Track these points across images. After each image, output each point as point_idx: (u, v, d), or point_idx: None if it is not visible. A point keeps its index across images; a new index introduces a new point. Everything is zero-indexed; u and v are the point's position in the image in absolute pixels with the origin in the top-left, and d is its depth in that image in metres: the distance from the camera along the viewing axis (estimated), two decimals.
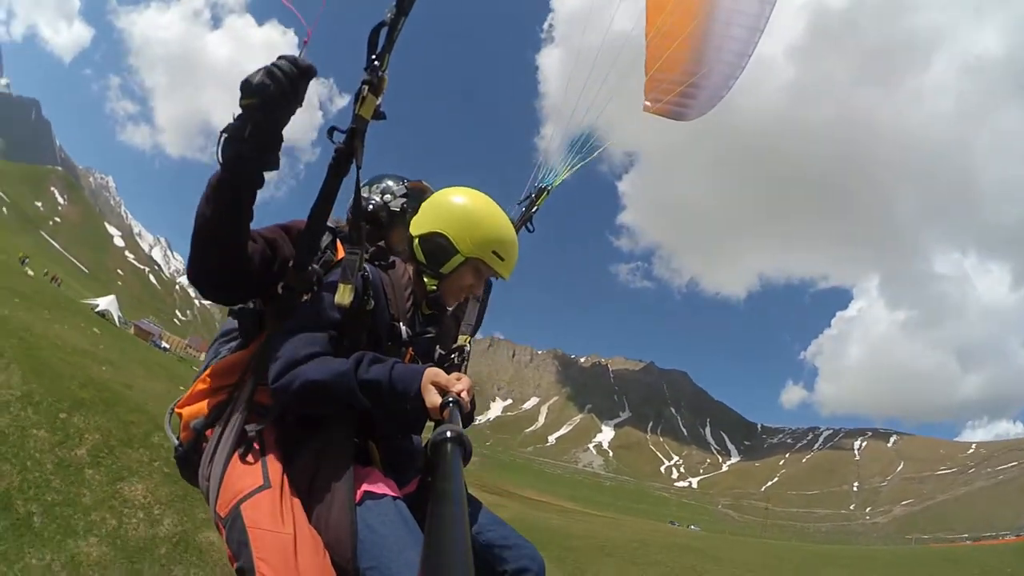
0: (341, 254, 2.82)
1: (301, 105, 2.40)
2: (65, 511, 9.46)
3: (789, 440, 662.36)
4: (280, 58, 2.34)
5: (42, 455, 10.55)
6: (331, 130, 2.54)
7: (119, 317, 72.53)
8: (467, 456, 1.62)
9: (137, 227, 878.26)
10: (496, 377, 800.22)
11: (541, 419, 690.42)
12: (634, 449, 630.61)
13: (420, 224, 2.87)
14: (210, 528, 10.79)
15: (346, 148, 2.52)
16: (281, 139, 2.42)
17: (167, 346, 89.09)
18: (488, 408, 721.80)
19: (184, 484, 10.48)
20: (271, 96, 2.27)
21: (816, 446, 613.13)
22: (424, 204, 2.97)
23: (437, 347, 3.06)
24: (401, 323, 2.77)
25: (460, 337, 3.42)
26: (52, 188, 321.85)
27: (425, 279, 2.88)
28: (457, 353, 3.23)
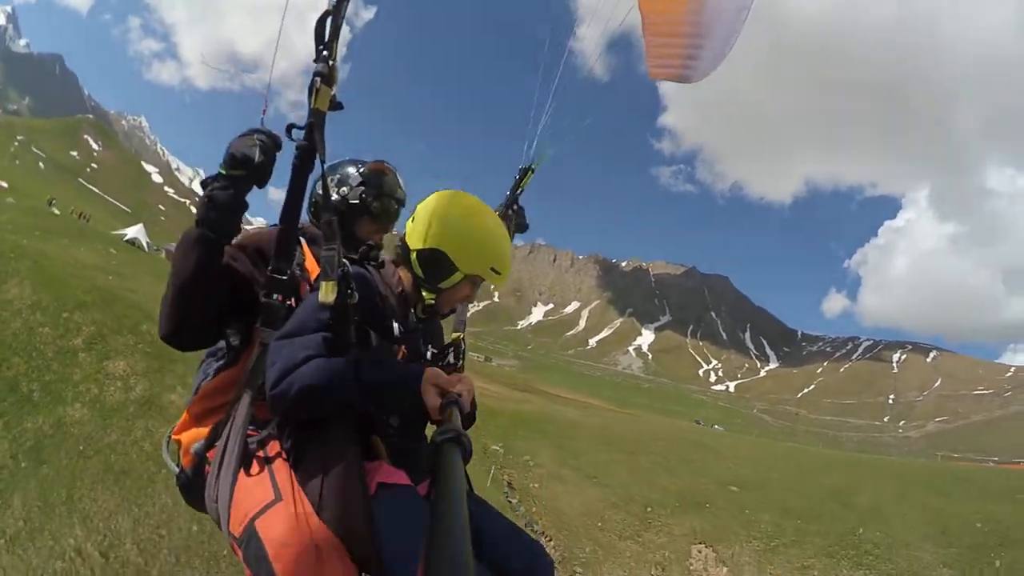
0: (308, 255, 3.05)
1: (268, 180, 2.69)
2: (58, 386, 11.76)
3: (828, 349, 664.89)
4: (261, 133, 2.63)
5: (45, 346, 12.92)
6: (289, 127, 2.59)
7: (147, 243, 75.81)
8: (467, 457, 1.66)
9: (175, 162, 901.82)
10: (537, 282, 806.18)
11: (582, 323, 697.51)
12: (673, 353, 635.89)
13: (418, 236, 2.78)
14: (174, 391, 13.39)
15: (307, 144, 2.57)
16: (246, 204, 2.69)
17: None
18: (529, 313, 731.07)
19: (161, 358, 14.93)
20: (258, 169, 2.57)
21: (855, 356, 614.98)
22: (421, 212, 2.83)
23: (429, 346, 3.08)
24: (393, 321, 2.78)
25: (453, 334, 3.37)
26: (85, 136, 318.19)
27: (424, 293, 2.83)
28: (453, 351, 3.20)
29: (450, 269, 2.73)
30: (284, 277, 2.63)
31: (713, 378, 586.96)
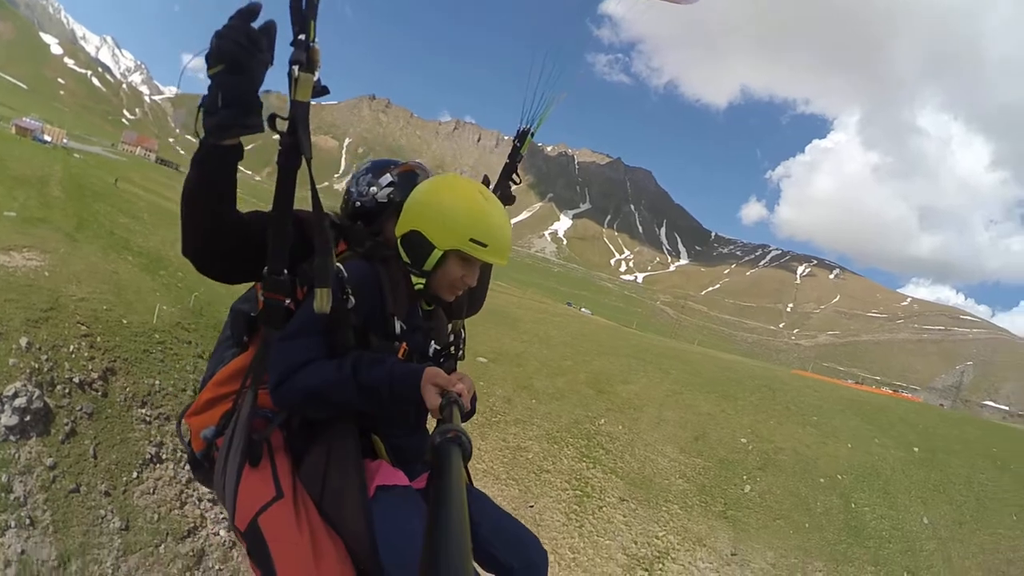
0: (343, 250, 2.94)
1: (271, 60, 2.31)
2: None
3: (738, 252, 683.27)
4: (231, 18, 2.22)
5: None
6: (272, 117, 2.34)
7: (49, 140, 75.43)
8: (467, 456, 1.65)
9: (81, 30, 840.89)
10: (460, 161, 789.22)
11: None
12: (588, 240, 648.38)
13: (400, 224, 2.79)
14: None
15: (291, 140, 2.33)
16: (258, 101, 2.32)
17: (48, 139, 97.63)
18: None
19: None
20: (232, 57, 2.20)
21: (762, 263, 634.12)
22: (405, 202, 2.86)
23: (432, 342, 2.96)
24: (396, 318, 2.73)
25: (451, 323, 3.23)
26: None
27: (413, 278, 2.79)
28: (453, 341, 3.15)
29: (428, 247, 2.71)
30: (281, 277, 2.48)
31: (624, 268, 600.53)
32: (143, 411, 19.76)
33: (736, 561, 20.42)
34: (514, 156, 4.02)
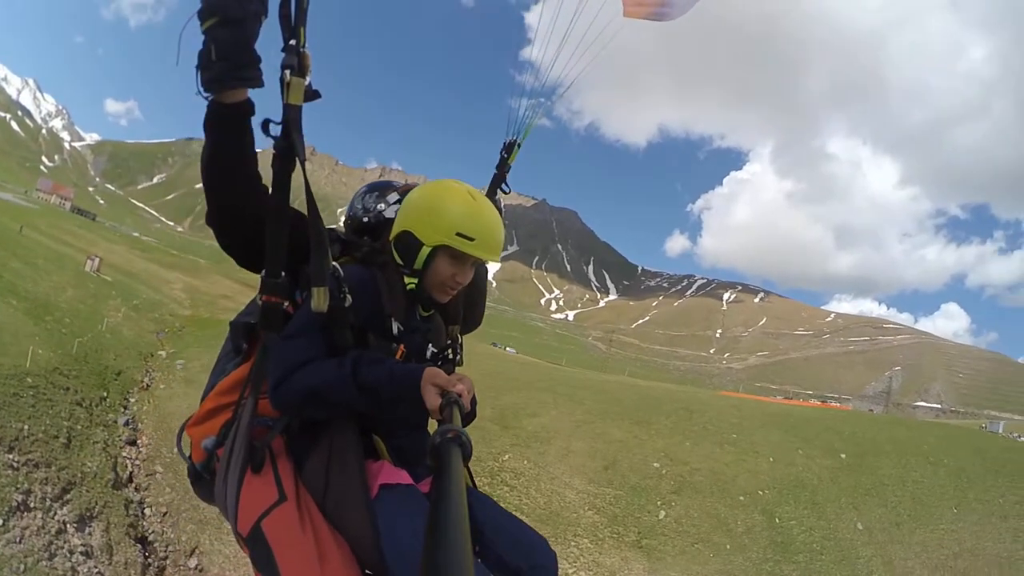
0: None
1: (265, 12, 2.26)
2: None
3: (665, 284, 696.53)
4: None
5: None
6: (265, 123, 2.34)
7: None
8: (467, 456, 1.65)
9: (2, 71, 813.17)
10: None
11: None
12: (518, 282, 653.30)
13: (393, 228, 2.82)
14: None
15: (284, 143, 2.34)
16: (255, 54, 2.30)
17: None
18: None
19: None
20: (224, 7, 2.16)
21: (689, 292, 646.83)
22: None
23: (430, 345, 2.95)
24: (392, 319, 2.73)
25: (449, 327, 3.20)
26: None
27: (406, 279, 2.79)
28: (451, 346, 3.10)
29: (417, 245, 2.71)
30: (278, 280, 2.52)
31: (554, 307, 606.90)
32: (10, 456, 18.71)
33: None
34: (502, 167, 3.99)
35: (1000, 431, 60.27)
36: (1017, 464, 28.35)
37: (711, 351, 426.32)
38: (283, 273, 2.52)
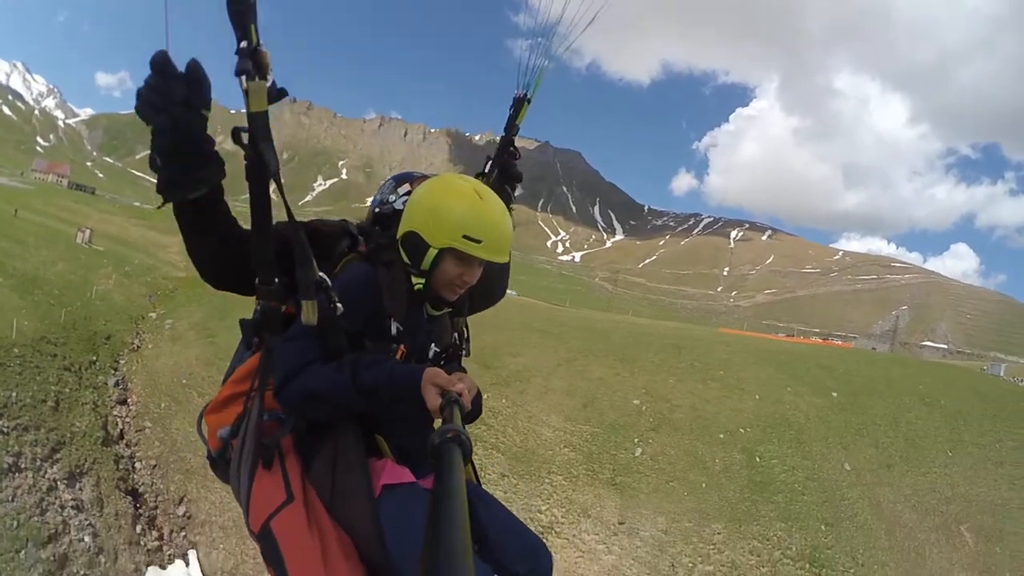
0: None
1: (206, 105, 2.15)
2: None
3: (672, 223, 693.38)
4: (148, 76, 2.09)
5: None
6: (235, 131, 2.21)
7: None
8: (467, 456, 1.66)
9: None
10: (388, 157, 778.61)
11: None
12: (523, 225, 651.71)
13: (400, 226, 2.79)
14: None
15: (253, 154, 2.21)
16: (205, 150, 2.21)
17: None
18: None
19: None
20: (149, 119, 2.10)
21: (696, 231, 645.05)
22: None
23: (433, 344, 2.96)
24: (392, 319, 2.73)
25: (455, 321, 3.15)
26: None
27: (413, 279, 2.78)
28: (456, 341, 3.13)
29: (424, 247, 2.71)
30: (272, 286, 2.48)
31: (560, 249, 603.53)
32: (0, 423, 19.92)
33: (624, 530, 18.80)
34: (510, 128, 3.75)
35: (1001, 374, 59.38)
36: (1016, 408, 27.59)
37: (718, 289, 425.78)
38: (276, 279, 2.45)
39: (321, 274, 2.48)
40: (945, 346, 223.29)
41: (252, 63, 2.06)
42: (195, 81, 2.08)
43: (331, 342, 2.53)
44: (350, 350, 2.55)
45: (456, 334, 3.14)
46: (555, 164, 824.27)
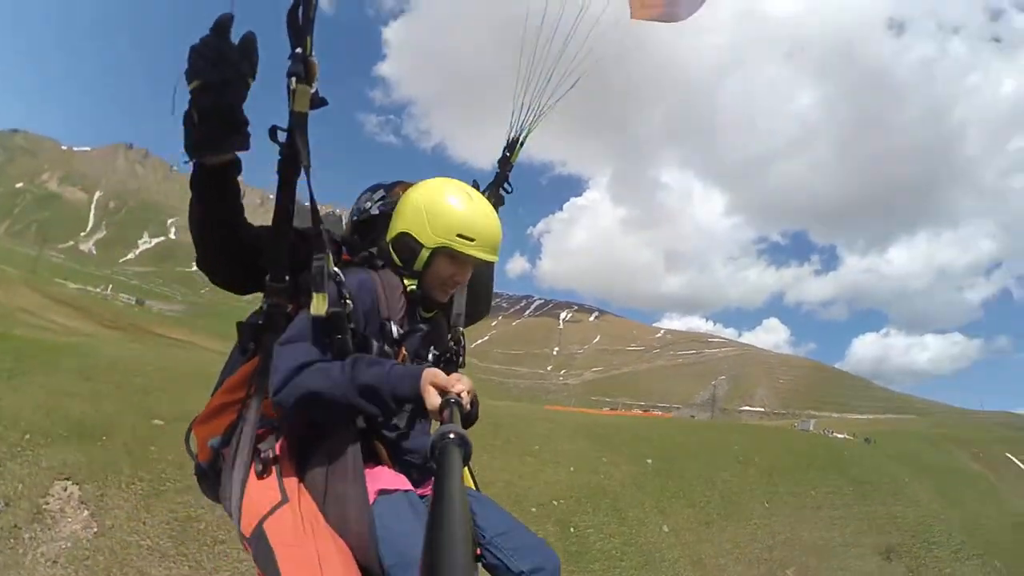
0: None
1: (251, 74, 2.30)
2: None
3: (504, 304, 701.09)
4: (207, 33, 2.23)
5: None
6: (273, 129, 2.38)
7: None
8: (467, 457, 1.64)
9: None
10: None
11: None
12: None
13: (390, 228, 2.87)
14: None
15: (289, 150, 2.39)
16: (238, 119, 2.32)
17: None
18: None
19: None
20: (202, 73, 2.19)
21: (528, 312, 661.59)
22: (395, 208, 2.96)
23: (431, 347, 2.99)
24: (392, 322, 2.74)
25: (452, 330, 3.23)
26: None
27: (405, 281, 2.83)
28: (453, 348, 3.16)
29: (416, 247, 2.76)
30: (282, 285, 2.59)
31: None
32: None
33: None
34: (504, 166, 4.00)
35: (811, 428, 63.22)
36: (827, 458, 29.23)
37: (548, 368, 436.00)
38: (287, 277, 2.55)
39: (335, 268, 2.49)
40: (762, 409, 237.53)
41: (303, 68, 2.26)
42: (249, 51, 2.23)
43: (337, 341, 2.47)
44: (354, 351, 2.49)
45: (453, 342, 3.15)
46: None
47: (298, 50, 2.28)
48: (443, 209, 2.72)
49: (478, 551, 2.49)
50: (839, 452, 32.19)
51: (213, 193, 2.44)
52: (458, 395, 2.21)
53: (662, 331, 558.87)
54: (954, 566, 25.36)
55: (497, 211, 3.39)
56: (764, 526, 21.28)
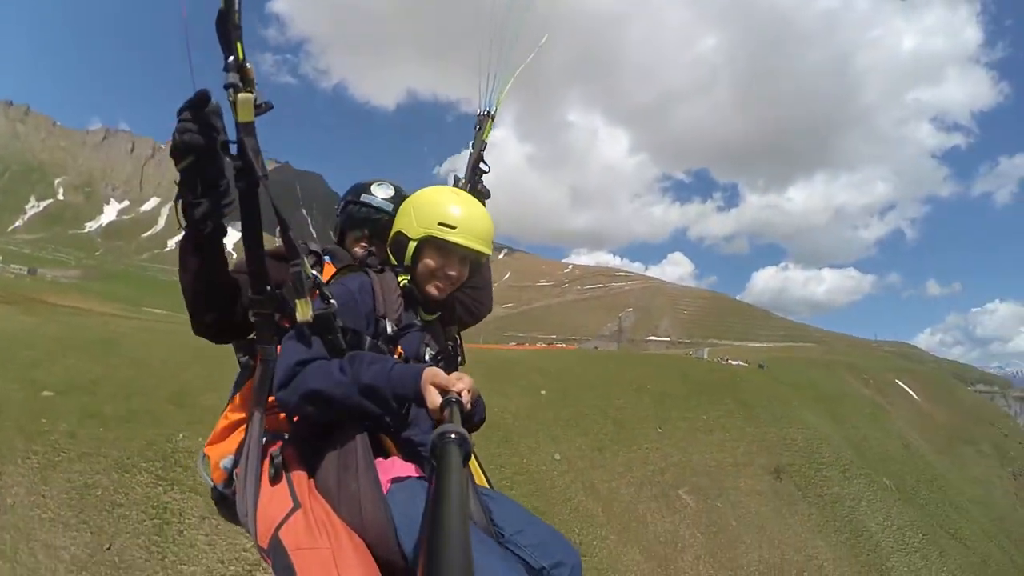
0: (328, 273, 2.99)
1: (226, 135, 2.33)
2: None
3: None
4: (181, 111, 2.25)
5: None
6: (224, 144, 2.33)
7: None
8: (467, 456, 1.65)
9: None
10: (111, 176, 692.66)
11: (161, 222, 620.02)
12: None
13: (390, 234, 2.99)
14: None
15: (241, 164, 2.36)
16: (226, 179, 2.39)
17: None
18: (101, 212, 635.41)
19: None
20: (199, 147, 2.24)
21: None
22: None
23: (428, 347, 2.91)
24: (387, 319, 2.75)
25: (448, 329, 3.27)
26: None
27: (400, 277, 2.89)
28: (451, 346, 3.18)
29: (405, 242, 2.85)
30: (263, 295, 2.58)
31: None
32: None
33: None
34: (477, 144, 4.06)
35: (705, 356, 65.34)
36: (718, 384, 30.87)
37: None
38: (268, 287, 2.53)
39: (314, 272, 2.51)
40: (668, 339, 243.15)
41: (239, 76, 2.21)
42: (219, 114, 2.24)
43: (329, 342, 2.49)
44: (348, 350, 2.50)
45: (450, 341, 3.17)
46: (295, 186, 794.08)
47: (231, 58, 2.24)
48: (426, 202, 2.86)
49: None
50: (732, 378, 33.77)
51: (217, 253, 2.52)
52: (458, 394, 2.21)
53: (571, 266, 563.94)
54: (843, 484, 26.99)
55: (484, 204, 3.47)
56: (656, 450, 21.93)
